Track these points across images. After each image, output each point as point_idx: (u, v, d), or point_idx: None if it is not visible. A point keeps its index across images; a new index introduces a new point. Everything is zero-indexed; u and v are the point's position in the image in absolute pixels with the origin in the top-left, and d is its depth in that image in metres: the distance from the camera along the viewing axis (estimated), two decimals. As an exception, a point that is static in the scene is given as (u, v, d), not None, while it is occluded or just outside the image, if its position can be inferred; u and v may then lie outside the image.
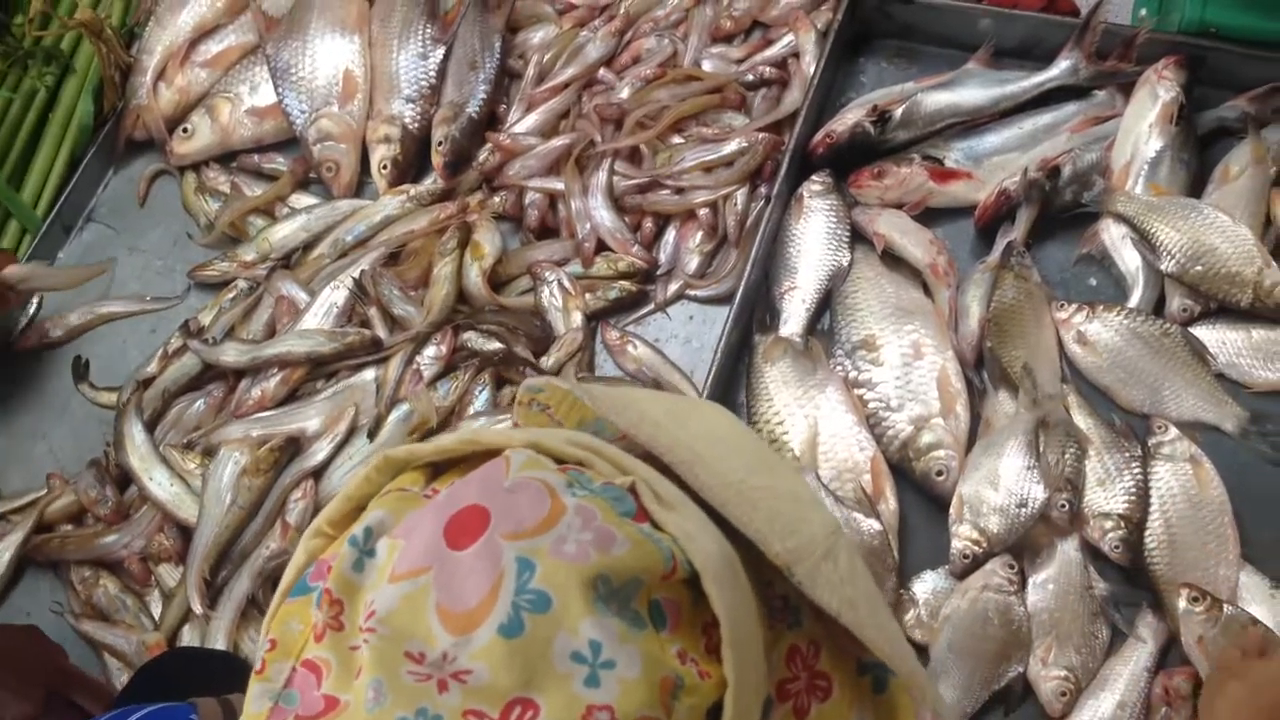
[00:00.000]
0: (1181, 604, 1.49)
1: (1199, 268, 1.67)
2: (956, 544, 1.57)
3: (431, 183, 2.01)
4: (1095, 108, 1.87)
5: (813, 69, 1.93)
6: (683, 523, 0.69)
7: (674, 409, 0.89)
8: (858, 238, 1.85)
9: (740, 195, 1.89)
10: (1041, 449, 1.59)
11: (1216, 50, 1.80)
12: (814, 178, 1.87)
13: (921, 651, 1.55)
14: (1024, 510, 1.55)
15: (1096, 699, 1.50)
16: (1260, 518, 1.58)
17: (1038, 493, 1.55)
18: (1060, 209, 1.81)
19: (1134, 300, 1.73)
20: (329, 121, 2.03)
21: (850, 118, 1.89)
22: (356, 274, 1.89)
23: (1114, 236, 1.76)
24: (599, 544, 0.65)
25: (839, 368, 1.74)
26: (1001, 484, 1.57)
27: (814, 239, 1.83)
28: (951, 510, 1.59)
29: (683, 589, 0.68)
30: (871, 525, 1.58)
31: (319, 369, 1.85)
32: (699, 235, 1.90)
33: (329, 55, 2.07)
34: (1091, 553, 1.58)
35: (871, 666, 0.80)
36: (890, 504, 1.63)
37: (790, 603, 0.78)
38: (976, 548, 1.56)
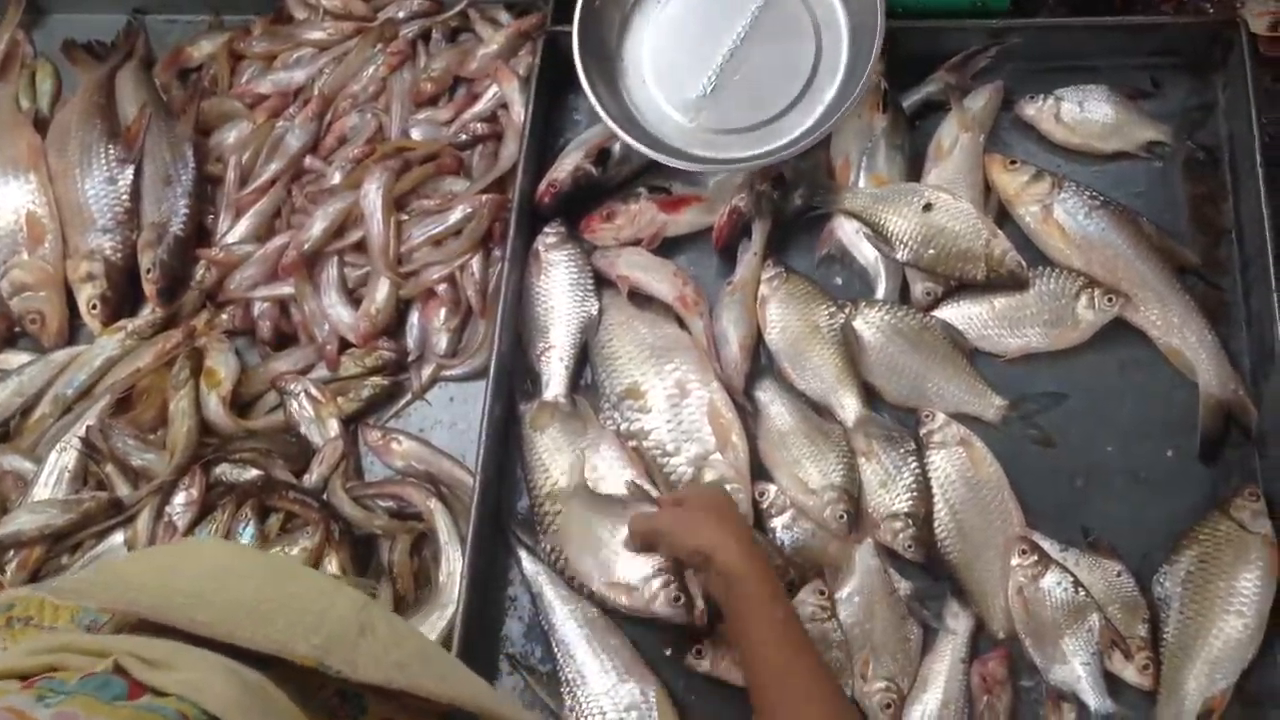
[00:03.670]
0: (1014, 559, 1.52)
1: (931, 251, 1.69)
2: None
3: (149, 313, 1.86)
4: (807, 106, 1.87)
5: (523, 117, 1.87)
6: (184, 676, 0.65)
7: (163, 563, 0.87)
8: (603, 282, 1.81)
9: (475, 263, 1.82)
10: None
11: (907, 30, 1.82)
12: (546, 230, 1.81)
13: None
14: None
15: (921, 702, 1.51)
16: (1038, 485, 1.61)
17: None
18: (794, 215, 1.80)
19: (880, 292, 1.74)
20: (21, 271, 1.86)
21: (570, 162, 1.83)
22: (83, 431, 1.74)
23: (848, 233, 1.76)
24: None
25: (609, 421, 1.69)
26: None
27: (559, 293, 1.78)
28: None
29: None
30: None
31: (59, 544, 1.69)
32: (443, 312, 1.81)
33: (5, 199, 1.89)
34: (889, 555, 1.58)
35: (454, 715, 0.79)
36: None
37: (348, 695, 0.77)
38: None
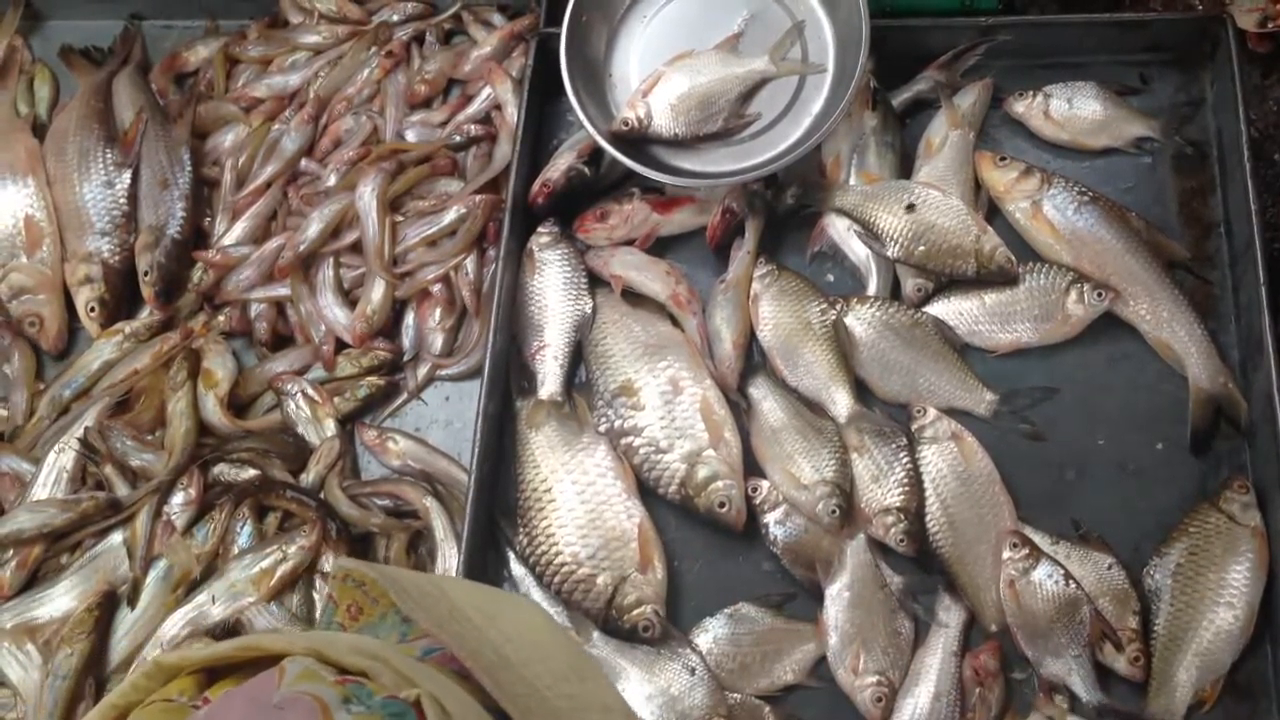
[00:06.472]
0: (1005, 552, 1.53)
1: (922, 248, 1.70)
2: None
3: (147, 315, 1.88)
4: (798, 106, 1.88)
5: (517, 118, 1.88)
6: None
7: (485, 605, 0.87)
8: (596, 281, 1.82)
9: (470, 263, 1.83)
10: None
11: (897, 29, 1.83)
12: (540, 230, 1.82)
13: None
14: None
15: (913, 695, 1.52)
16: (1029, 479, 1.62)
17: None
18: (786, 213, 1.81)
19: (871, 289, 1.75)
20: (21, 274, 1.88)
21: (563, 162, 1.84)
22: (81, 432, 1.75)
23: (839, 230, 1.77)
24: None
25: (602, 419, 1.70)
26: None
27: (553, 292, 1.79)
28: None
29: None
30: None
31: (58, 543, 1.71)
32: (438, 312, 1.83)
33: (3, 204, 1.91)
34: (880, 549, 1.59)
35: None
36: (658, 572, 1.60)
37: None
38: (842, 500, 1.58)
